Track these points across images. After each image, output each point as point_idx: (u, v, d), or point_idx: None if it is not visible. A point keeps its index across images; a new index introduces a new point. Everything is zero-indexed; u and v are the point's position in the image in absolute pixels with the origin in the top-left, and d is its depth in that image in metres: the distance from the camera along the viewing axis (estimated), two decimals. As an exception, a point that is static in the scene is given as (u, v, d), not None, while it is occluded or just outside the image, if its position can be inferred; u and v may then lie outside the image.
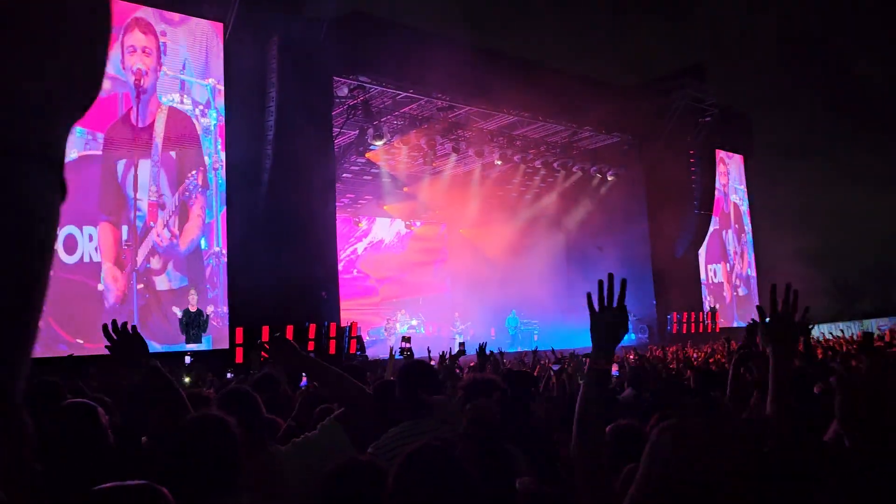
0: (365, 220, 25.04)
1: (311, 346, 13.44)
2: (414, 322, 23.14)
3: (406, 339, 6.68)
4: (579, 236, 23.79)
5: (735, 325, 23.70)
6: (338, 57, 15.00)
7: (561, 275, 24.05)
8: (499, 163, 20.42)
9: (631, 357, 10.82)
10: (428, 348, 7.62)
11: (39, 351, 10.61)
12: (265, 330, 12.85)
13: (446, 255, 27.98)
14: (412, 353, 5.73)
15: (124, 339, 2.71)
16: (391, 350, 6.19)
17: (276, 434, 3.06)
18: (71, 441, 2.39)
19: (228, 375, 8.08)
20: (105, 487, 1.77)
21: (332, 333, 13.90)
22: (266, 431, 2.65)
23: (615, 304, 2.19)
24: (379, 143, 17.98)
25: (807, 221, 24.76)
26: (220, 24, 13.62)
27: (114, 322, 2.73)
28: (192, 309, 12.59)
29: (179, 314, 12.53)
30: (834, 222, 26.39)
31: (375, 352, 18.33)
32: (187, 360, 7.23)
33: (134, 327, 2.81)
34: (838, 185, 25.60)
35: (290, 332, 13.20)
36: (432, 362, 6.85)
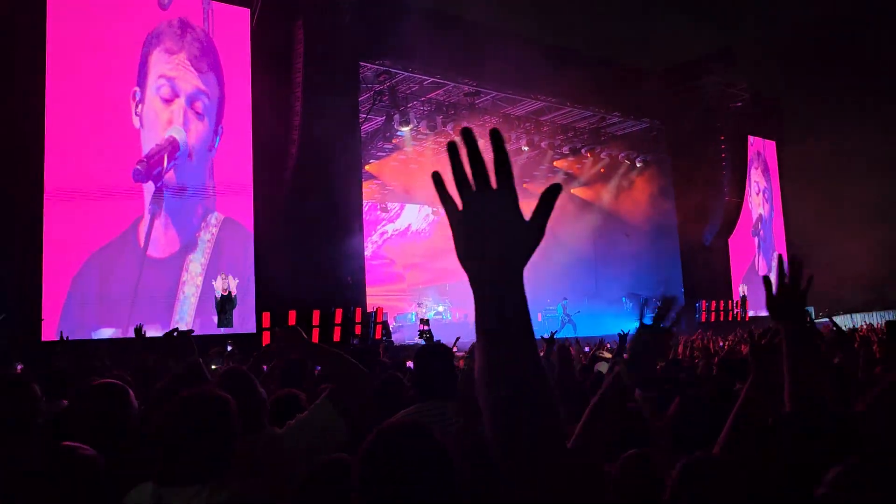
0: (392, 206, 25.08)
1: (336, 330, 13.53)
2: (440, 308, 23.16)
3: (424, 322, 6.70)
4: (606, 223, 23.59)
5: (766, 314, 23.39)
6: (364, 42, 14.96)
7: (587, 261, 23.92)
8: (526, 149, 20.27)
9: None
10: (457, 338, 7.50)
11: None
12: (292, 314, 12.96)
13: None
14: (431, 336, 5.72)
15: (180, 340, 3.16)
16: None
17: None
18: (100, 419, 2.44)
19: (228, 347, 8.19)
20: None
21: (358, 319, 13.96)
22: (264, 411, 2.68)
23: (661, 324, 2.02)
24: (405, 128, 17.95)
25: (840, 209, 24.28)
26: (247, 10, 13.65)
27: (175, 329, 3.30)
28: (223, 292, 12.72)
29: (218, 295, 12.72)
30: (868, 211, 25.86)
31: (401, 337, 18.39)
32: (228, 347, 7.28)
33: (190, 331, 3.34)
34: (874, 172, 25.04)
35: (316, 316, 13.31)
36: (455, 350, 6.82)
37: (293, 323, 12.68)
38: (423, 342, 5.81)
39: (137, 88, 12.38)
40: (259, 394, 2.66)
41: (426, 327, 6.23)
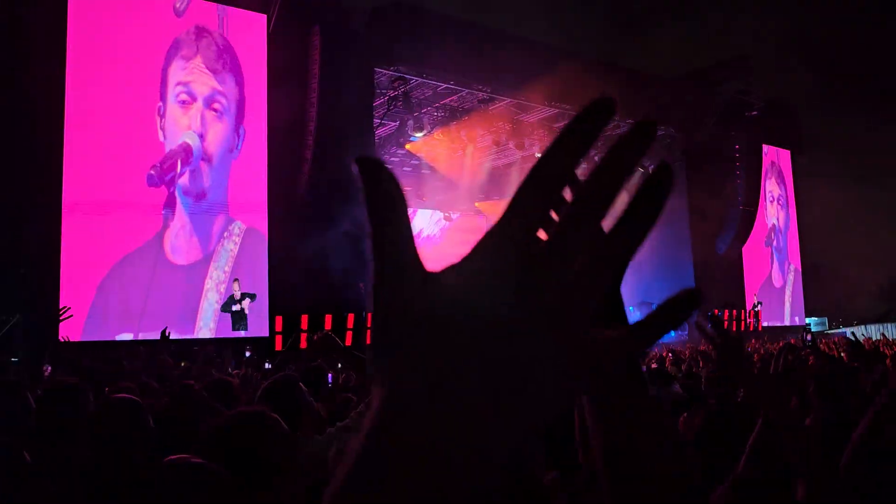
0: (404, 212, 25.08)
1: (348, 335, 13.56)
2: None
3: None
4: (619, 230, 23.55)
5: (780, 323, 23.24)
6: (379, 48, 15.03)
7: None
8: (539, 155, 20.25)
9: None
10: None
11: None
12: (304, 319, 13.01)
13: (484, 248, 27.91)
14: None
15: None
16: None
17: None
18: (113, 435, 2.46)
19: (247, 353, 8.23)
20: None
21: (370, 324, 13.96)
22: (312, 421, 2.68)
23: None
24: (419, 134, 17.99)
25: (855, 219, 24.12)
26: (264, 16, 13.76)
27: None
28: (237, 297, 12.80)
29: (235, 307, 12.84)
30: (884, 220, 25.67)
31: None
32: (247, 353, 7.32)
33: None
34: (891, 182, 24.87)
35: (328, 321, 13.34)
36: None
37: (328, 327, 12.79)
38: None
39: (161, 104, 12.51)
40: (300, 404, 2.67)
41: None
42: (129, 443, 2.41)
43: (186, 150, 12.61)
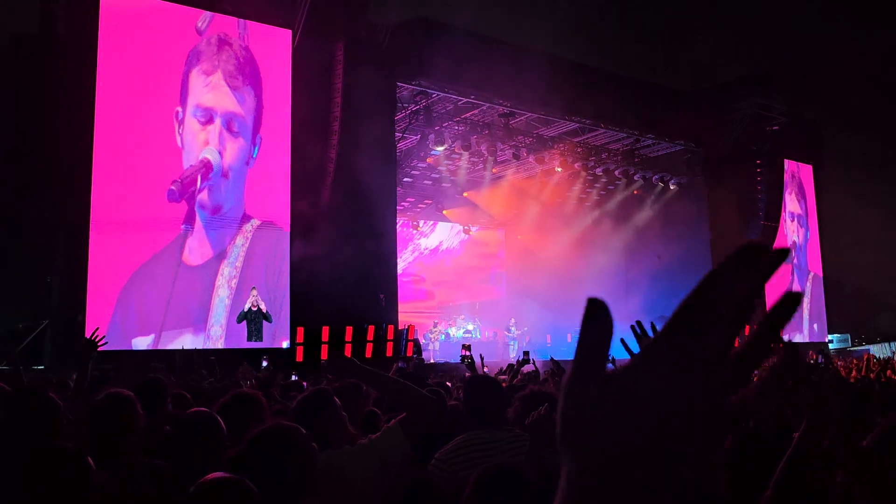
0: (424, 224, 25.26)
1: (369, 347, 13.67)
2: (470, 327, 23.20)
3: (466, 347, 6.67)
4: (639, 245, 23.47)
5: (801, 339, 23.02)
6: (401, 62, 15.22)
7: (619, 284, 23.81)
8: (559, 170, 20.35)
9: None
10: (481, 356, 7.58)
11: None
12: (325, 330, 13.15)
13: (503, 261, 27.98)
14: (472, 361, 5.70)
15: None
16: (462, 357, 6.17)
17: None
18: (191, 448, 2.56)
19: (264, 363, 8.31)
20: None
21: (390, 336, 14.09)
22: (344, 436, 2.73)
23: None
24: (440, 148, 18.15)
25: (878, 235, 23.88)
26: (289, 31, 14.00)
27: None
28: (254, 308, 12.93)
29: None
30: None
31: (430, 355, 18.48)
32: (264, 363, 7.42)
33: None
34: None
35: (349, 333, 13.46)
36: (486, 370, 6.85)
37: (349, 339, 12.92)
38: (464, 365, 5.83)
39: (179, 108, 12.77)
40: (333, 418, 2.76)
41: (468, 353, 6.16)
42: (206, 455, 2.49)
43: (206, 166, 12.83)
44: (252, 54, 13.61)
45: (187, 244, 12.59)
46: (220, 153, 12.98)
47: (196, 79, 12.94)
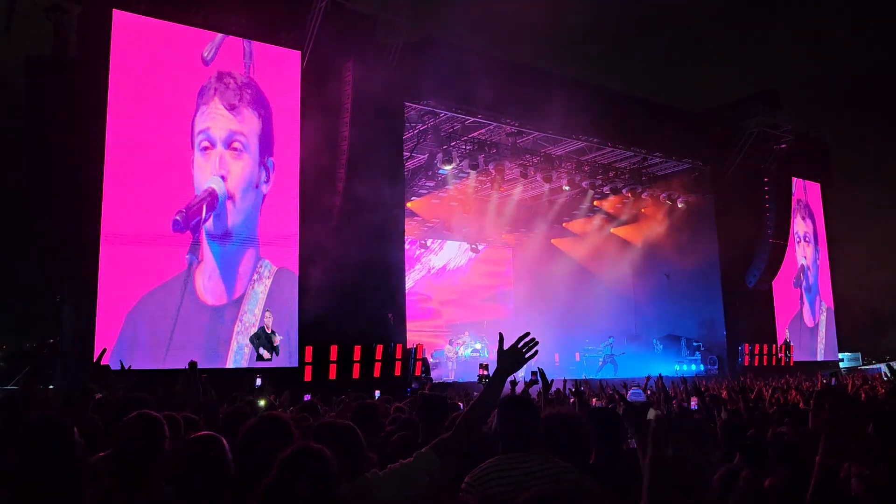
0: (431, 243, 25.31)
1: (377, 366, 13.66)
2: (478, 346, 23.16)
3: (484, 367, 6.64)
4: (647, 263, 23.42)
5: (811, 359, 22.85)
6: (409, 82, 15.33)
7: (627, 302, 23.76)
8: (567, 188, 20.38)
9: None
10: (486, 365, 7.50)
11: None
12: (333, 349, 13.15)
13: (511, 279, 27.98)
14: None
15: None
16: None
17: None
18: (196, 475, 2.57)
19: (306, 397, 8.23)
20: None
21: (399, 355, 14.08)
22: (364, 462, 2.72)
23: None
24: (448, 167, 18.22)
25: (887, 253, 23.78)
26: (298, 52, 14.13)
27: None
28: (268, 329, 12.96)
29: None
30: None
31: (438, 374, 18.43)
32: (258, 381, 7.37)
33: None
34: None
35: (357, 352, 13.45)
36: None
37: (357, 358, 12.92)
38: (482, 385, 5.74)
39: (191, 151, 12.94)
40: (359, 444, 2.75)
41: (486, 372, 6.09)
42: (210, 481, 2.50)
43: (212, 195, 12.90)
44: (258, 82, 13.70)
45: (199, 279, 12.59)
46: (223, 178, 13.03)
47: (199, 112, 13.04)
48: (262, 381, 7.61)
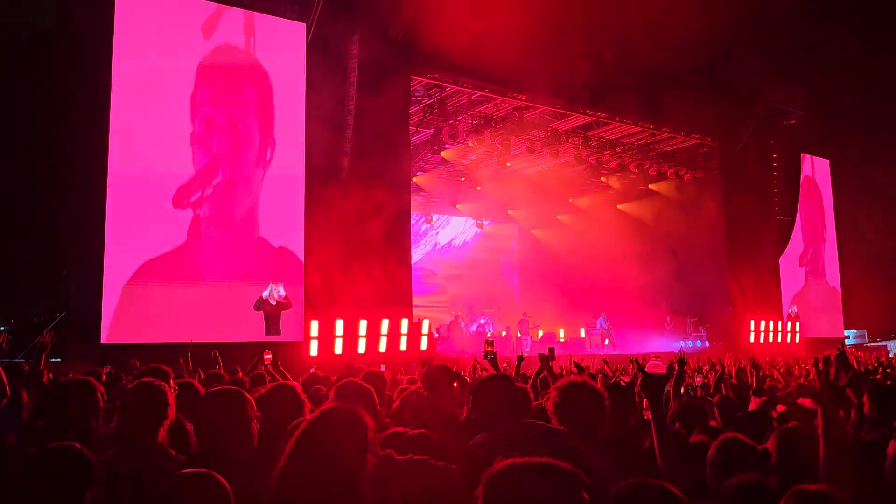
0: (437, 218, 25.26)
1: (383, 341, 13.70)
2: (482, 321, 23.20)
3: (489, 343, 6.59)
4: (654, 239, 23.33)
5: (818, 336, 22.83)
6: (415, 55, 15.17)
7: (634, 278, 23.72)
8: (573, 163, 20.27)
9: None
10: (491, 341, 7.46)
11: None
12: (339, 324, 13.18)
13: (516, 255, 27.94)
14: (496, 358, 5.62)
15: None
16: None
17: None
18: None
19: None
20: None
21: (406, 330, 14.12)
22: None
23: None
24: (454, 141, 18.12)
25: (895, 230, 23.60)
26: (303, 24, 14.00)
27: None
28: (273, 301, 12.96)
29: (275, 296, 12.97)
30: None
31: (444, 349, 18.48)
32: (267, 356, 7.30)
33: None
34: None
35: (363, 327, 13.48)
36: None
37: (363, 333, 12.91)
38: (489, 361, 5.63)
39: (191, 128, 12.86)
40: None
41: (491, 348, 5.98)
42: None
43: (212, 171, 12.86)
44: (261, 55, 13.58)
45: (202, 256, 12.59)
46: (224, 155, 12.98)
47: (201, 87, 12.94)
48: (273, 356, 7.57)
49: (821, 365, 2.50)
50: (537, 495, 1.50)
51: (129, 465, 2.47)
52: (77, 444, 2.22)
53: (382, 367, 7.48)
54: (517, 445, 2.52)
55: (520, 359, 5.68)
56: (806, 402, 4.41)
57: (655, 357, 12.84)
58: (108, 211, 11.77)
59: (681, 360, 5.23)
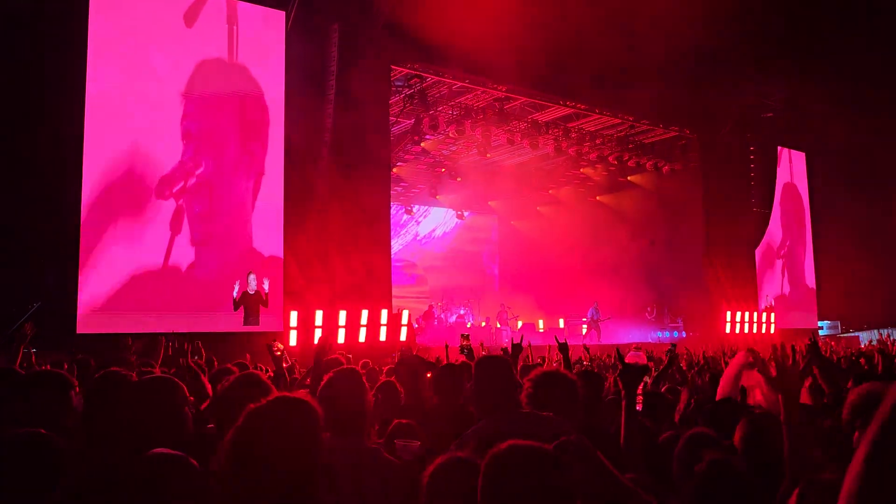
0: (417, 209, 25.24)
1: (363, 331, 13.69)
2: (462, 312, 23.25)
3: (465, 337, 6.46)
4: (632, 231, 23.48)
5: (793, 327, 23.14)
6: (396, 45, 15.09)
7: (611, 268, 23.86)
8: (553, 155, 20.32)
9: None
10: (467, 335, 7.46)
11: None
12: (318, 314, 13.14)
13: (496, 246, 28.01)
14: (472, 351, 5.54)
15: None
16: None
17: None
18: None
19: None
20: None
21: (385, 320, 14.11)
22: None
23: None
24: (434, 132, 18.08)
25: (870, 221, 23.95)
26: (282, 13, 13.87)
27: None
28: (251, 291, 12.87)
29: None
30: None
31: (422, 340, 18.50)
32: (276, 348, 7.14)
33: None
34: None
35: (342, 317, 13.45)
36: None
37: (342, 325, 12.86)
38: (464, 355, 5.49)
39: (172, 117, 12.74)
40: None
41: (466, 342, 5.82)
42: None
43: (194, 163, 12.75)
44: (239, 40, 13.44)
45: (180, 247, 12.48)
46: (202, 149, 12.87)
47: (185, 79, 12.80)
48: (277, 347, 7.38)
49: (779, 351, 2.52)
50: (536, 478, 1.56)
51: (98, 453, 2.46)
52: (43, 430, 2.21)
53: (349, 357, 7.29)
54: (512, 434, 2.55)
55: (517, 347, 5.46)
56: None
57: (636, 348, 12.95)
58: (84, 201, 11.62)
59: (671, 353, 5.24)
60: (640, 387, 2.88)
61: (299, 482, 1.85)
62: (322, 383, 2.79)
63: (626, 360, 2.96)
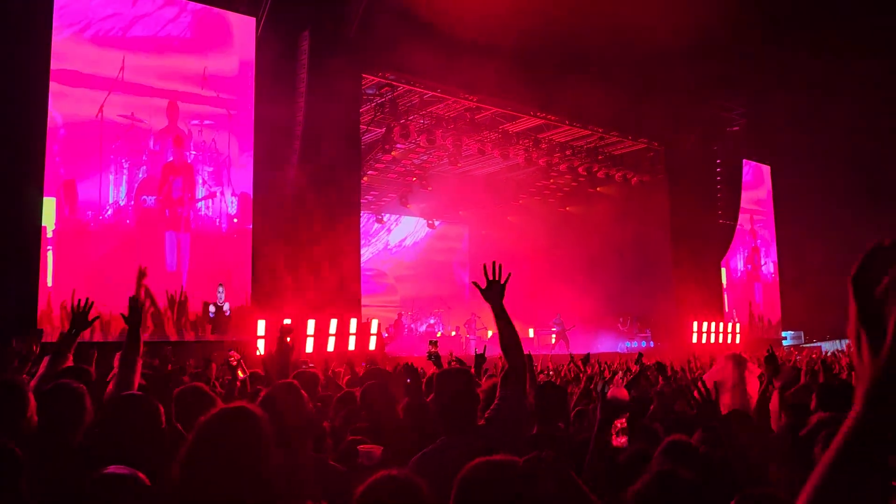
0: (387, 218, 25.17)
1: (331, 340, 13.58)
2: (432, 321, 23.21)
3: (433, 343, 6.41)
4: (601, 241, 23.65)
5: (758, 336, 23.48)
6: (367, 53, 15.07)
7: (581, 280, 24.02)
8: (524, 165, 20.40)
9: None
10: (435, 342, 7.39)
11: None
12: (287, 324, 12.96)
13: (466, 255, 28.04)
14: (439, 358, 5.50)
15: None
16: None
17: None
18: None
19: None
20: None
21: (354, 330, 14.01)
22: None
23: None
24: (405, 141, 18.06)
25: (834, 233, 24.43)
26: (253, 19, 13.78)
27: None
28: (220, 303, 12.74)
29: (212, 309, 12.74)
30: (862, 234, 25.94)
31: (392, 349, 18.41)
32: (232, 357, 7.06)
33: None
34: (866, 196, 25.25)
35: (311, 326, 13.34)
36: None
37: (311, 333, 12.72)
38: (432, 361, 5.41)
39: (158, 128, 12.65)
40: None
41: (434, 349, 5.74)
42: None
43: (173, 170, 12.64)
44: (209, 49, 13.32)
45: (148, 254, 12.34)
46: (182, 153, 12.78)
47: (159, 86, 12.70)
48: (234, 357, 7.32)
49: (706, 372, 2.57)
50: (509, 494, 1.59)
51: (50, 466, 2.41)
52: (3, 440, 2.16)
53: (311, 365, 7.21)
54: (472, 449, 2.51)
55: (480, 358, 5.48)
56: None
57: (636, 362, 12.97)
58: (53, 205, 11.40)
59: (640, 362, 5.26)
60: (625, 420, 2.82)
61: (247, 491, 1.81)
62: (259, 399, 2.79)
63: (608, 395, 2.93)
